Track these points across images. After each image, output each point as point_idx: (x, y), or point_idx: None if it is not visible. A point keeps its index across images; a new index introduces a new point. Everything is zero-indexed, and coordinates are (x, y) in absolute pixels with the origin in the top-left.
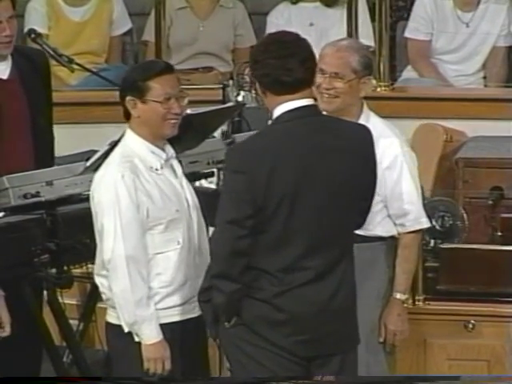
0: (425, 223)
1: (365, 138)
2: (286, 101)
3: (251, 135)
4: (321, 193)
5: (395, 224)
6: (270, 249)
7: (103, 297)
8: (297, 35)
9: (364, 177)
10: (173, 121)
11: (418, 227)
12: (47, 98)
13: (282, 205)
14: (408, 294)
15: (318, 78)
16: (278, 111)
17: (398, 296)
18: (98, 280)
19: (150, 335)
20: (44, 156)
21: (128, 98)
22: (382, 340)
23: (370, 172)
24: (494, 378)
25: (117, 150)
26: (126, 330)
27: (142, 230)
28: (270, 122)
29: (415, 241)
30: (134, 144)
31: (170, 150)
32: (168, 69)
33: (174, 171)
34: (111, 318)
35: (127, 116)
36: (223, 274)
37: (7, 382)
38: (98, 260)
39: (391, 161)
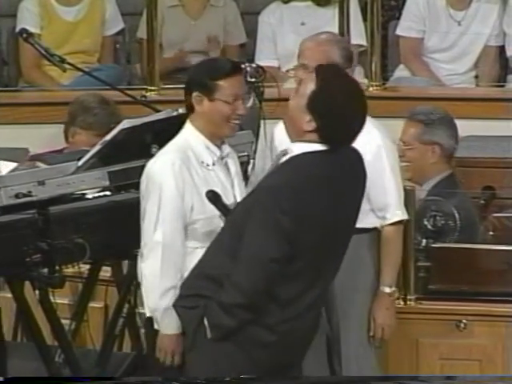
0: (405, 215)
1: (361, 163)
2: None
3: (282, 171)
4: (344, 229)
5: (377, 216)
6: (285, 280)
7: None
8: None
9: (360, 201)
10: (236, 121)
11: (398, 218)
12: None
13: (316, 243)
14: (395, 286)
15: (301, 74)
16: (304, 148)
17: (385, 290)
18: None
19: (168, 325)
20: None
21: (195, 94)
22: (371, 334)
23: (361, 195)
24: (497, 377)
25: (174, 140)
26: (148, 314)
27: (183, 221)
28: (292, 152)
29: (397, 233)
30: (190, 137)
31: (227, 149)
32: (237, 69)
33: (227, 169)
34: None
35: (191, 109)
36: (249, 306)
37: (7, 382)
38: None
39: (373, 153)
